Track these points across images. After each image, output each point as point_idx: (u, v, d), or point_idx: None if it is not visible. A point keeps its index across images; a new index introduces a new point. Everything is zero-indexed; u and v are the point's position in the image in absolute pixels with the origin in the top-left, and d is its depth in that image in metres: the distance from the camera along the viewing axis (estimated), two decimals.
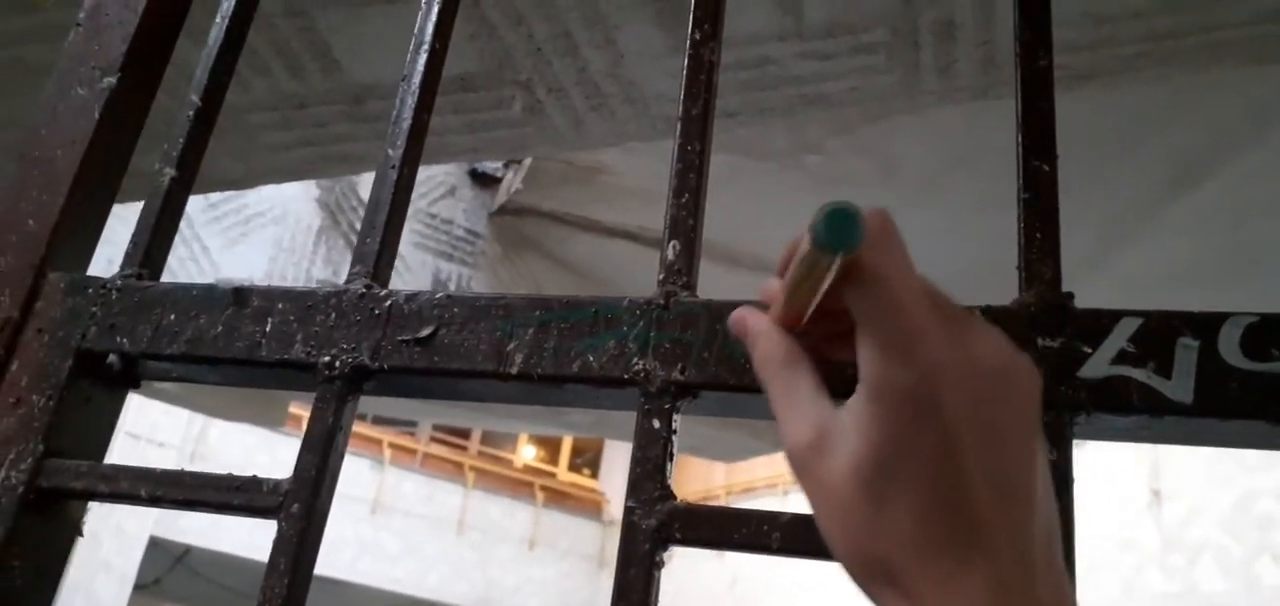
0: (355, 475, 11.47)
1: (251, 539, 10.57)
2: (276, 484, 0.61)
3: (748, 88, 1.24)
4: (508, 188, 3.25)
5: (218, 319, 0.67)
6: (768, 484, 12.02)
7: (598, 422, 3.03)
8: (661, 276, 0.62)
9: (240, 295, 0.67)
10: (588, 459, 14.99)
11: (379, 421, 12.14)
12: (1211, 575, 7.81)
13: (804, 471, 0.39)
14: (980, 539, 0.34)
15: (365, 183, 3.19)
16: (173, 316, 0.68)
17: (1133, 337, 0.53)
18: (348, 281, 0.66)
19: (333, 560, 11.09)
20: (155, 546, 10.10)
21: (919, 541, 0.35)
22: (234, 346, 0.66)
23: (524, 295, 0.62)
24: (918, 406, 0.35)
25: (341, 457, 0.63)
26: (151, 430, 9.64)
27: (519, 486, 13.02)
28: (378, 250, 0.66)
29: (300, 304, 0.66)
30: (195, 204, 2.96)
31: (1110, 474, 8.53)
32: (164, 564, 11.03)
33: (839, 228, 0.35)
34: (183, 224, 3.13)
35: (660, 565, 0.55)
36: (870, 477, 0.36)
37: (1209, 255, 2.28)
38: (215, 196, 2.93)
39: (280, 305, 0.66)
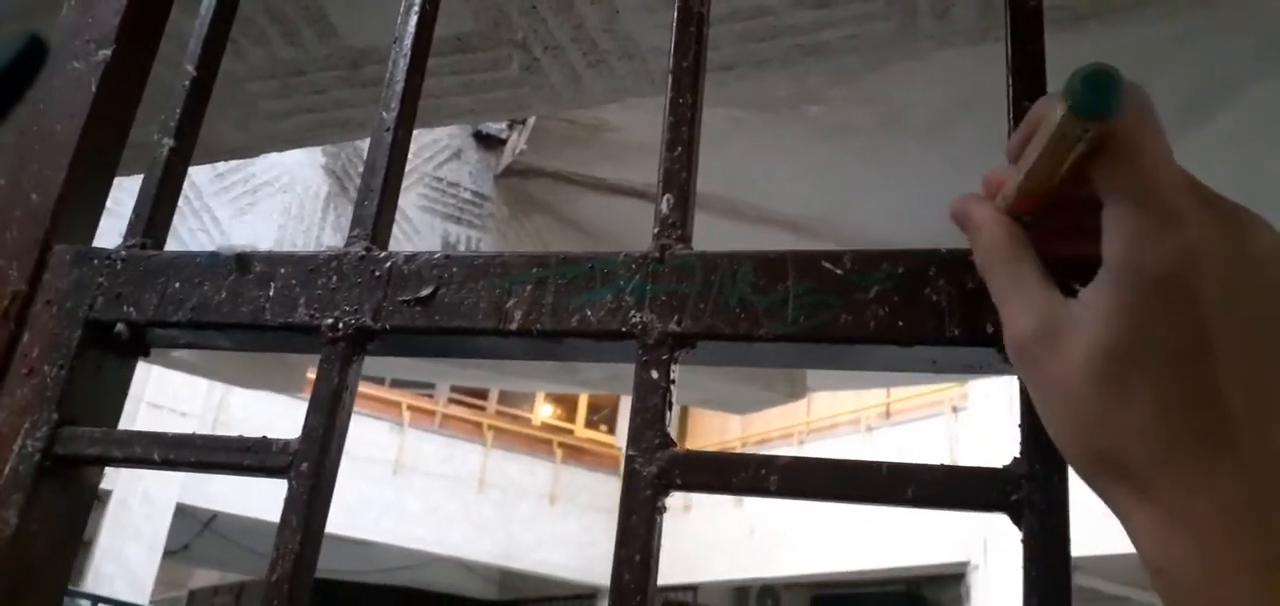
0: (375, 437, 11.61)
1: (276, 503, 10.59)
2: (285, 444, 0.63)
3: (744, 39, 1.23)
4: (513, 149, 3.25)
5: (222, 285, 0.68)
6: (782, 434, 12.07)
7: (611, 378, 3.05)
8: (656, 230, 0.62)
9: (243, 261, 0.68)
10: (604, 415, 15.09)
11: (397, 384, 12.25)
12: None
13: (1029, 363, 0.37)
14: (1228, 438, 0.32)
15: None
16: (178, 285, 0.69)
17: None
18: (347, 244, 0.67)
19: (356, 520, 11.26)
20: (183, 513, 10.27)
21: (1160, 438, 0.33)
22: (239, 312, 0.67)
23: (521, 252, 0.63)
24: (1171, 292, 0.33)
25: (349, 416, 0.64)
26: (173, 400, 9.75)
27: (537, 444, 13.13)
28: (376, 212, 0.67)
29: (302, 268, 0.67)
30: (202, 174, 2.97)
31: None
32: (192, 530, 11.21)
33: (1100, 91, 0.32)
34: (191, 194, 3.14)
35: (661, 511, 0.56)
36: (1110, 368, 0.33)
37: (1228, 187, 2.27)
38: (222, 166, 2.94)
39: (282, 270, 0.67)
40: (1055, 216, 0.41)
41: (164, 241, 0.74)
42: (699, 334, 0.58)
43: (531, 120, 3.00)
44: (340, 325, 0.64)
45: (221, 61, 0.82)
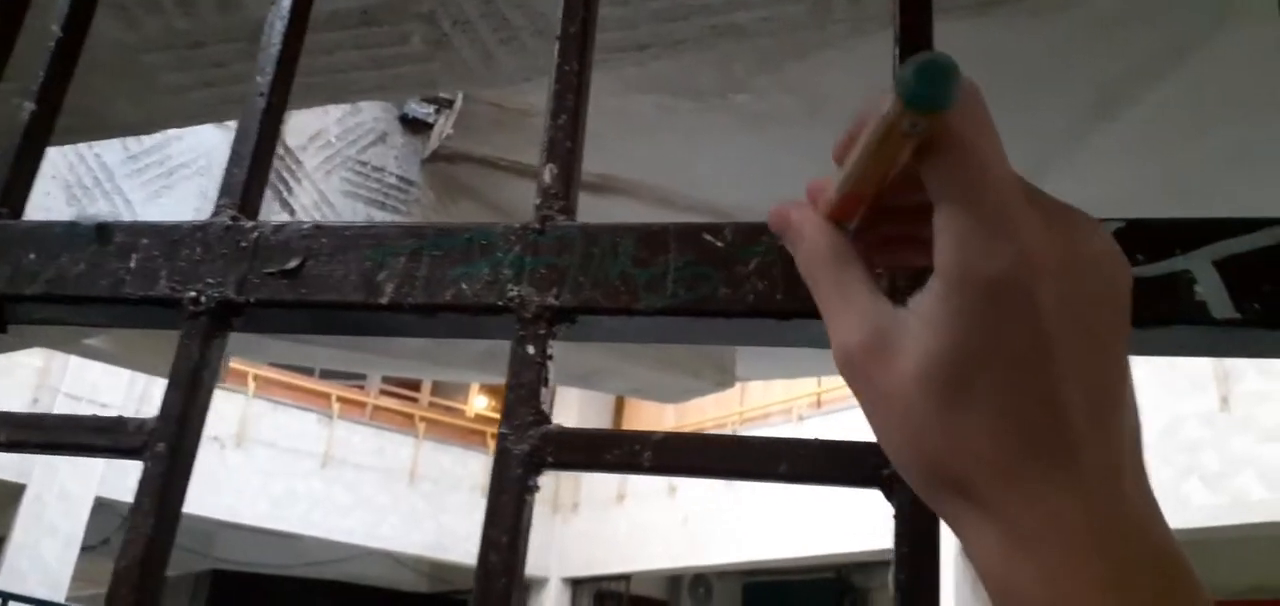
0: (304, 429, 11.39)
1: (200, 496, 10.45)
2: (141, 423, 0.59)
3: (659, 18, 1.22)
4: (440, 133, 3.19)
5: (81, 257, 0.64)
6: (716, 424, 12.13)
7: (486, 355, 3.01)
8: (538, 201, 0.60)
9: (103, 231, 0.64)
10: None
11: (326, 375, 12.03)
12: None
13: (858, 376, 0.35)
14: (1067, 451, 0.31)
15: (291, 130, 3.12)
16: (34, 256, 0.65)
17: None
18: (214, 214, 0.64)
19: (284, 513, 11.05)
20: (102, 507, 9.95)
21: (999, 452, 0.31)
22: (97, 284, 0.63)
23: (397, 223, 0.60)
24: (1005, 298, 0.31)
25: (210, 395, 0.61)
26: (92, 391, 9.44)
27: (470, 436, 13.02)
28: (245, 181, 0.64)
29: (165, 238, 0.63)
30: (115, 156, 2.87)
31: None
32: (112, 524, 10.87)
33: (933, 82, 0.30)
34: (101, 175, 3.03)
35: (532, 490, 0.55)
36: (945, 380, 0.32)
37: (1134, 182, 2.32)
38: (134, 147, 2.84)
39: (144, 240, 0.64)
40: (886, 224, 0.39)
41: (22, 211, 0.70)
42: (578, 308, 0.56)
43: (459, 104, 2.95)
44: (202, 298, 0.61)
45: (101, 27, 0.78)
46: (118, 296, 0.63)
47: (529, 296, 0.57)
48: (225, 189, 0.64)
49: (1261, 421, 7.45)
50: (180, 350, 0.60)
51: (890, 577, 0.49)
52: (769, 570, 11.92)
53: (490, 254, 0.58)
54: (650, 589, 13.71)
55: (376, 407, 12.55)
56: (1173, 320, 0.49)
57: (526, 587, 13.38)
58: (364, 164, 3.04)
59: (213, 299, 0.61)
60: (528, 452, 0.54)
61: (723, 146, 2.53)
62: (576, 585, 13.34)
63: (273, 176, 2.93)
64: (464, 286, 0.58)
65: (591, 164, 2.88)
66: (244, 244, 0.62)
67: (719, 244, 0.55)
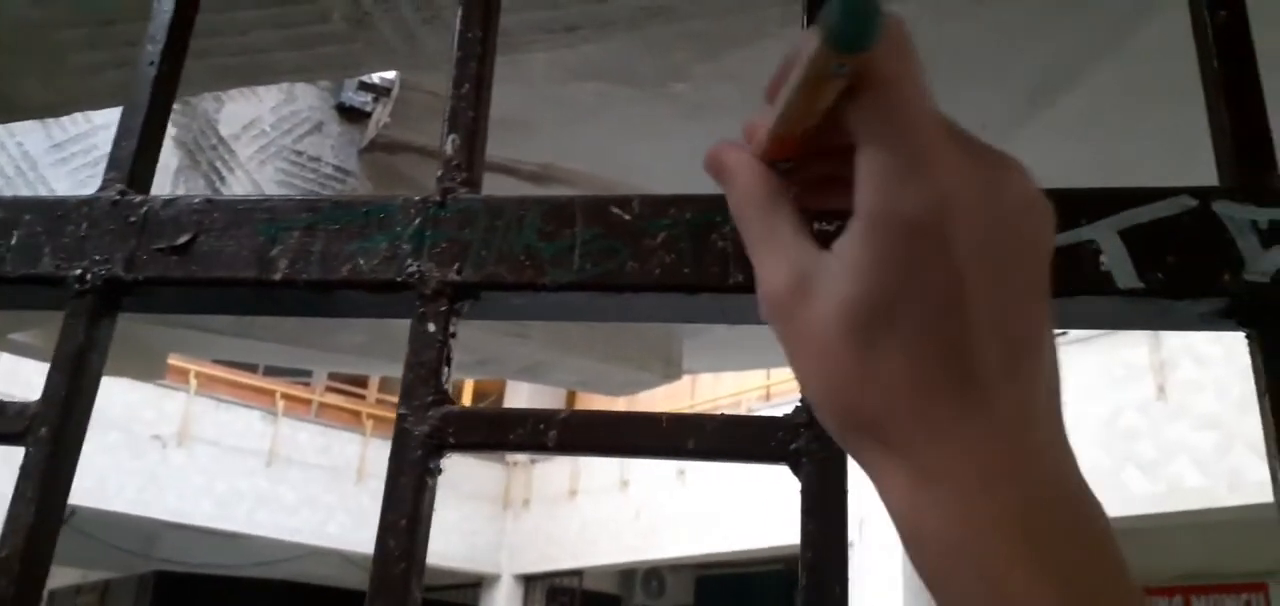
0: (247, 426, 11.18)
1: (140, 497, 10.22)
2: (23, 407, 0.56)
3: None
4: (377, 122, 3.14)
5: None
6: (732, 403, 12.05)
7: (373, 342, 2.97)
8: (440, 173, 0.58)
9: None
10: (490, 402, 14.92)
11: (271, 372, 11.82)
12: None
13: (782, 318, 0.34)
14: (979, 390, 0.31)
15: (225, 119, 3.05)
16: None
17: None
18: (102, 188, 0.61)
19: (229, 512, 10.84)
20: None
21: (912, 392, 0.31)
22: None
23: (291, 197, 0.58)
24: (925, 239, 0.31)
25: (97, 379, 0.58)
26: (26, 389, 9.18)
27: None
28: (134, 153, 0.61)
29: (49, 214, 0.60)
30: (39, 144, 2.78)
31: None
32: None
33: (856, 21, 0.29)
34: (24, 165, 2.93)
35: (434, 472, 0.53)
36: (862, 321, 0.32)
37: (1069, 168, 2.35)
38: (59, 134, 2.75)
39: (27, 216, 0.60)
40: (813, 165, 0.38)
41: None
42: (481, 283, 0.54)
43: (395, 92, 2.90)
44: (88, 276, 0.58)
45: (6, 3, 0.74)
46: None
47: (429, 272, 0.55)
48: (113, 163, 0.61)
49: (1196, 409, 7.64)
50: (64, 331, 0.57)
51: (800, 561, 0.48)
52: (722, 562, 11.96)
53: (388, 228, 0.56)
54: (603, 584, 13.69)
55: (322, 405, 12.36)
56: (1077, 290, 0.49)
57: (478, 585, 13.30)
58: (300, 154, 2.98)
59: (99, 277, 0.58)
60: (428, 433, 0.52)
61: (664, 137, 2.52)
62: (529, 582, 13.27)
63: (205, 166, 2.86)
64: (361, 262, 0.55)
65: (531, 153, 2.85)
66: (132, 219, 0.59)
67: (627, 216, 0.54)
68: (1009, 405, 0.31)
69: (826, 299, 0.33)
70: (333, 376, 12.55)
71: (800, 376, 0.35)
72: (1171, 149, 2.09)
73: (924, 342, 0.31)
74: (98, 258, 0.58)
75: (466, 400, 14.46)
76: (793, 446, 0.48)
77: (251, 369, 11.45)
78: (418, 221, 0.56)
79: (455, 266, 0.55)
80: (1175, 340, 7.87)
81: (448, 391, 0.53)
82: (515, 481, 13.31)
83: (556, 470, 12.75)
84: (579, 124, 2.48)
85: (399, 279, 0.55)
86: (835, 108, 0.33)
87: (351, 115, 3.04)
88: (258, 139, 2.89)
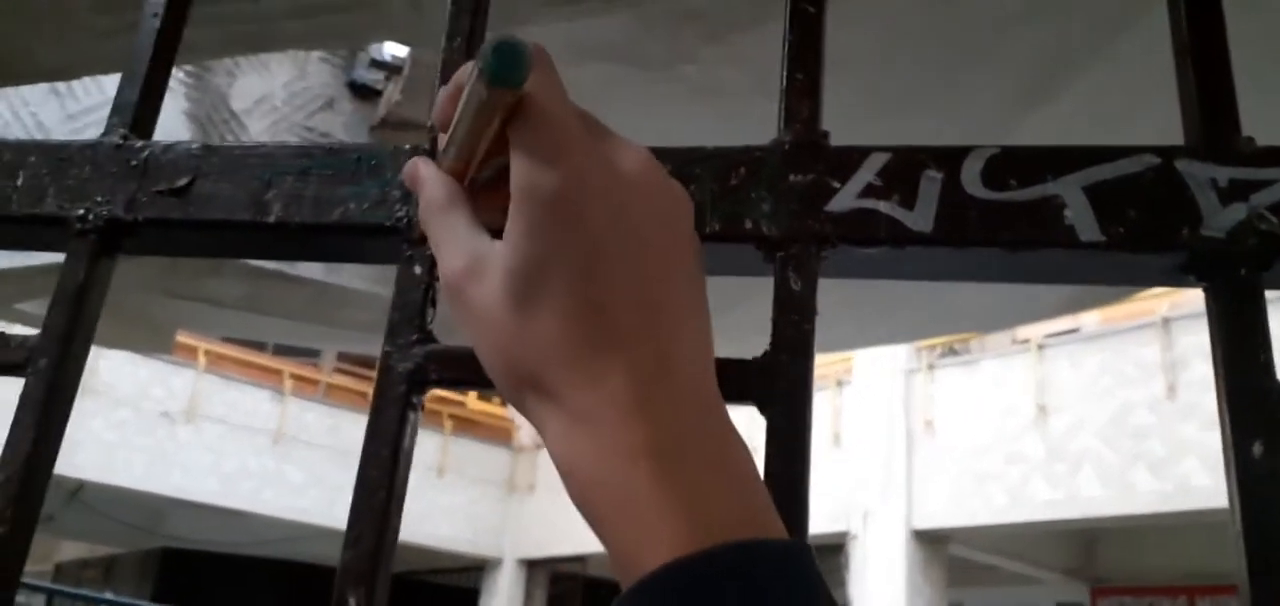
0: (255, 406, 11.25)
1: (148, 472, 10.31)
2: (24, 339, 0.58)
3: None
4: (388, 100, 3.16)
5: None
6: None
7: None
8: (431, 123, 0.60)
9: None
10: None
11: (280, 351, 11.89)
12: (1091, 483, 8.23)
13: (459, 299, 0.39)
14: (620, 341, 0.35)
15: (237, 94, 3.07)
16: None
17: (881, 172, 0.53)
18: (105, 133, 0.63)
19: (235, 491, 10.92)
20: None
21: (563, 346, 0.36)
22: None
23: (288, 143, 0.59)
24: (563, 211, 0.36)
25: (95, 317, 0.60)
26: None
27: (427, 415, 12.81)
28: (137, 100, 0.63)
29: (53, 156, 0.62)
30: (53, 115, 2.81)
31: (1000, 391, 8.88)
32: (57, 500, 10.68)
33: (511, 61, 0.35)
34: (38, 134, 3.00)
35: (416, 407, 0.54)
36: (519, 288, 0.36)
37: None
38: (73, 106, 2.78)
39: (32, 158, 0.62)
40: (500, 187, 0.42)
41: None
42: None
43: (406, 70, 2.92)
44: (90, 216, 0.60)
45: None
46: (4, 214, 0.62)
47: (416, 216, 0.56)
48: (116, 109, 0.63)
49: (1206, 408, 7.61)
50: (66, 269, 0.60)
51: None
52: None
53: (379, 174, 0.58)
54: (606, 570, 13.73)
55: (330, 385, 12.43)
56: (1042, 243, 0.50)
57: (481, 569, 13.36)
58: (310, 130, 3.00)
59: (101, 217, 0.60)
60: (411, 370, 0.54)
61: (671, 119, 2.53)
62: (532, 566, 13.33)
63: (216, 139, 2.88)
64: (351, 206, 0.57)
65: None
66: (134, 163, 0.61)
67: None
68: (647, 352, 0.36)
69: (493, 275, 0.38)
70: (341, 357, 12.61)
71: (476, 347, 0.39)
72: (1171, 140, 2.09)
73: (569, 303, 0.36)
74: (99, 199, 0.60)
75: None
76: (759, 390, 0.50)
77: (260, 347, 11.51)
78: None
79: None
80: (1187, 339, 7.85)
81: (431, 331, 0.55)
82: (520, 466, 13.36)
83: None
84: (585, 104, 2.50)
85: (387, 223, 0.57)
86: (500, 128, 0.38)
87: (363, 93, 3.07)
88: (269, 114, 2.92)
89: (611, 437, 0.34)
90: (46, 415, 0.57)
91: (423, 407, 0.55)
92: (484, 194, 0.42)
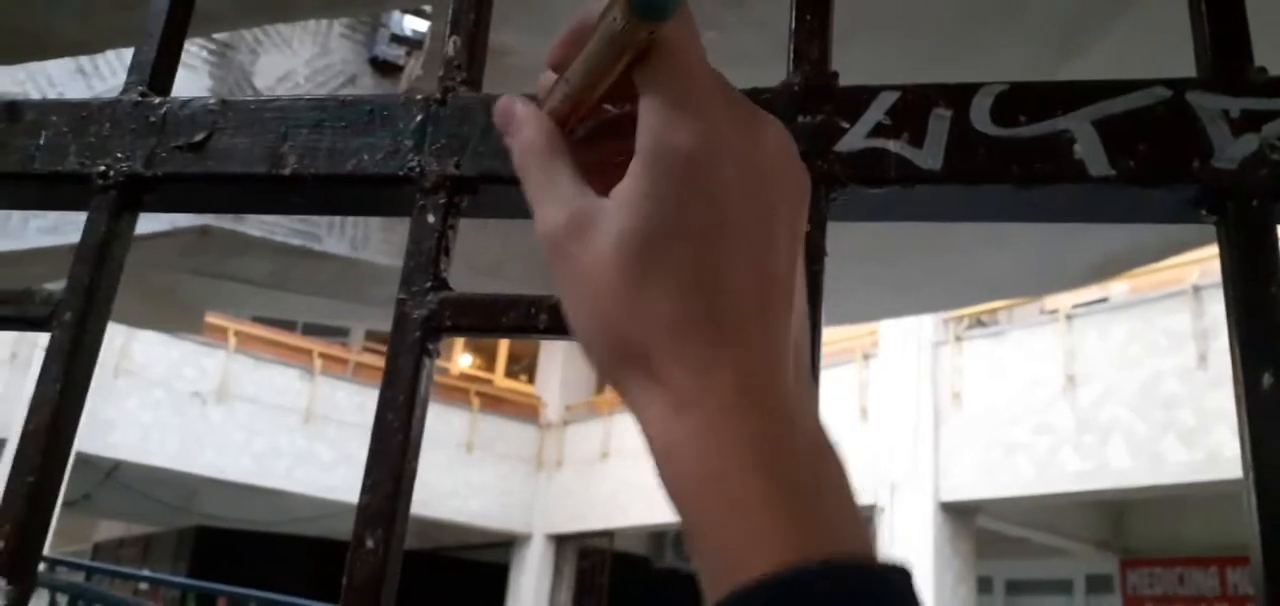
0: (285, 385, 11.38)
1: (182, 452, 10.46)
2: (49, 295, 0.60)
3: None
4: (409, 75, 3.18)
5: None
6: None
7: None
8: (442, 73, 0.60)
9: (13, 110, 0.64)
10: (524, 365, 15.04)
11: (309, 331, 12.00)
12: (1120, 453, 8.16)
13: (558, 255, 0.36)
14: (736, 326, 0.33)
15: (260, 71, 3.10)
16: None
17: (890, 111, 0.53)
18: (124, 91, 0.64)
19: (267, 469, 11.06)
20: (84, 463, 9.94)
21: (676, 324, 0.33)
22: (7, 161, 0.64)
23: (302, 97, 0.60)
24: (696, 175, 0.33)
25: (118, 272, 0.61)
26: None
27: (454, 393, 13.01)
28: (154, 58, 0.64)
29: (74, 115, 0.63)
30: (77, 93, 2.83)
31: (1028, 362, 8.82)
32: (93, 479, 10.87)
33: None
34: None
35: (431, 354, 0.55)
36: (635, 254, 0.34)
37: None
38: (99, 86, 2.81)
39: (54, 117, 0.64)
40: (604, 141, 0.40)
41: None
42: (479, 177, 0.57)
43: (427, 45, 2.93)
44: (111, 172, 0.61)
45: None
46: (27, 172, 0.63)
47: (429, 166, 0.57)
48: (134, 66, 0.64)
49: None
50: (88, 224, 0.61)
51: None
52: None
53: (392, 125, 0.58)
54: (633, 545, 13.81)
55: (359, 364, 12.55)
56: (1051, 179, 0.50)
57: (510, 544, 13.47)
58: None
59: (121, 173, 0.61)
60: (426, 316, 0.55)
61: None
62: (560, 541, 13.43)
63: None
64: (365, 157, 0.58)
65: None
66: (152, 119, 0.62)
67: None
68: (759, 342, 0.33)
69: (603, 236, 0.35)
70: (370, 335, 12.72)
71: (572, 311, 0.36)
72: None
73: (689, 275, 0.33)
74: (120, 155, 0.61)
75: (501, 362, 14.60)
76: None
77: (289, 327, 11.63)
78: (419, 118, 0.58)
79: (454, 161, 0.57)
80: (1218, 308, 7.65)
81: (445, 279, 0.56)
82: (548, 442, 13.45)
83: (589, 431, 12.87)
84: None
85: (401, 173, 0.57)
86: (625, 73, 0.36)
87: (384, 68, 3.08)
88: (292, 91, 2.94)
89: (712, 426, 0.32)
90: (71, 367, 0.58)
91: (438, 354, 0.56)
92: (579, 149, 0.39)
